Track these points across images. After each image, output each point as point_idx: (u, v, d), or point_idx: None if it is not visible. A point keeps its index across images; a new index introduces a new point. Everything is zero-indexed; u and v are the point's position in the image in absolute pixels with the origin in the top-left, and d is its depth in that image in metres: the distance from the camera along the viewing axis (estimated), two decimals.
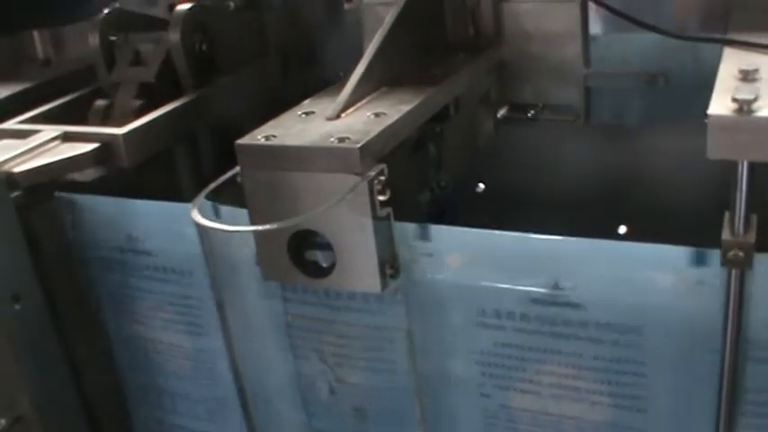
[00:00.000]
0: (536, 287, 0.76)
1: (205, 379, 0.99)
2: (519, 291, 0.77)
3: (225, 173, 0.81)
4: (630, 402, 0.78)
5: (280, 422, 0.97)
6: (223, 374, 0.97)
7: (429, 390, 0.86)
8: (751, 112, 0.63)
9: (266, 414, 0.98)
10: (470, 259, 0.78)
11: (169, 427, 1.07)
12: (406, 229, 0.79)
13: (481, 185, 1.09)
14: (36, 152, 0.88)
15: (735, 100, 0.64)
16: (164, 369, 1.01)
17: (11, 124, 0.96)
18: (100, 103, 1.00)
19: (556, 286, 0.75)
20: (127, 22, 1.04)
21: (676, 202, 1.01)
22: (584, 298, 0.75)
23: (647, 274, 0.72)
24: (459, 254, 0.78)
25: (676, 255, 0.71)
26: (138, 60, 1.02)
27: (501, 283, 0.77)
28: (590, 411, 0.80)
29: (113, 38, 1.03)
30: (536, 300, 0.76)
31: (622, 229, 1.01)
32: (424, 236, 0.78)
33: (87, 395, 0.97)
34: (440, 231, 0.78)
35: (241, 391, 0.97)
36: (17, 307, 0.85)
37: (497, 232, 0.76)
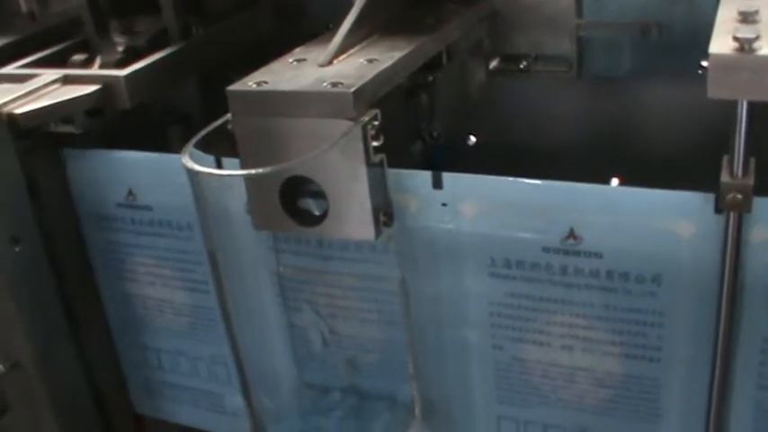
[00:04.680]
0: (551, 235, 0.75)
1: (202, 336, 0.99)
2: (531, 239, 0.75)
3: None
4: (644, 352, 0.77)
5: (273, 376, 0.97)
6: (219, 330, 0.96)
7: (428, 342, 0.86)
8: (752, 51, 0.62)
9: (260, 368, 0.97)
10: (484, 207, 0.77)
11: (163, 385, 1.06)
12: (417, 177, 0.78)
13: (472, 138, 1.07)
14: (37, 94, 0.88)
15: (736, 39, 0.63)
16: (160, 327, 1.01)
17: (9, 69, 0.95)
18: (77, 57, 0.99)
19: (571, 234, 0.74)
20: None
21: (669, 153, 1.00)
22: (600, 246, 0.74)
23: (666, 222, 0.71)
24: (473, 202, 0.77)
25: (697, 201, 0.69)
26: (130, 30, 1.01)
27: (515, 231, 0.76)
28: (602, 362, 0.79)
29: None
30: (548, 249, 0.75)
31: (615, 181, 1.00)
32: (437, 183, 0.77)
33: (85, 347, 0.97)
34: (453, 179, 0.77)
35: (234, 346, 0.96)
36: (16, 249, 0.85)
37: (512, 179, 0.74)
